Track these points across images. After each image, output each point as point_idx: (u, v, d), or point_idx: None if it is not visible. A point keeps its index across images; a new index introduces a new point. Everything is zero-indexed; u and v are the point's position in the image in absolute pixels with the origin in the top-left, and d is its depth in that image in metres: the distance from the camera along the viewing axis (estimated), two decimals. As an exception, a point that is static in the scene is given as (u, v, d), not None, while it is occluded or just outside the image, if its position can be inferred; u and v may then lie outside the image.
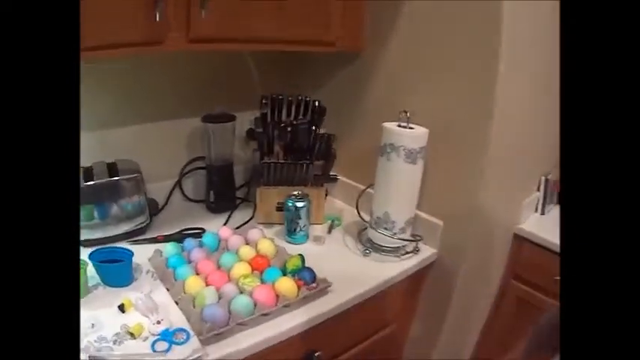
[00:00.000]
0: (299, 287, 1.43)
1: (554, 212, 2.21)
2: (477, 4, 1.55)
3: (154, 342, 1.20)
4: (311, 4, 1.68)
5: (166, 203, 2.00)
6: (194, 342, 1.21)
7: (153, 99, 1.90)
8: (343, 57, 1.99)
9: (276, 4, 1.58)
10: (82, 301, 1.36)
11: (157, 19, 1.32)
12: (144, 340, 1.22)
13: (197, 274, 1.46)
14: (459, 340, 2.05)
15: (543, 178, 2.13)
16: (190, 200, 2.09)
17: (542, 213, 2.18)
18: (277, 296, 1.38)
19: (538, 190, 2.15)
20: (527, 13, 1.61)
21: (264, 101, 1.87)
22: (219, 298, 1.35)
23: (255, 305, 1.33)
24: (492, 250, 2.00)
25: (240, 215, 1.99)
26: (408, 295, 1.90)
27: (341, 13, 1.77)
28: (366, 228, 1.84)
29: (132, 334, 1.22)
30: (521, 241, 2.06)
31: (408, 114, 1.63)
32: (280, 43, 1.69)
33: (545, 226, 2.06)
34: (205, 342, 1.22)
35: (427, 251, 1.82)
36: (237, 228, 1.83)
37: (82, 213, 1.60)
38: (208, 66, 2.01)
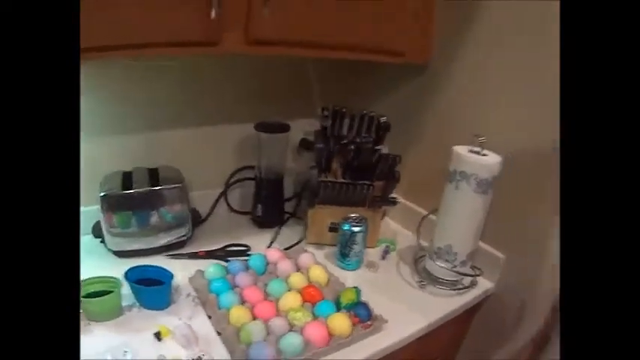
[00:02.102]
0: (354, 324, 1.32)
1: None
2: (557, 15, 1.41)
3: None
4: (382, 10, 1.58)
5: (210, 214, 1.92)
6: None
7: (202, 102, 1.83)
8: (408, 69, 1.88)
9: (346, 6, 1.47)
10: (114, 322, 1.28)
11: (213, 16, 1.21)
12: None
13: (242, 302, 1.36)
14: None
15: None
16: (236, 212, 2.00)
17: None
18: (330, 334, 1.27)
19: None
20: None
21: (324, 113, 1.77)
22: (267, 333, 1.24)
23: (307, 344, 1.22)
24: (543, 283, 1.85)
25: (287, 232, 1.90)
26: (458, 330, 1.80)
27: (412, 21, 1.68)
28: (422, 256, 1.73)
29: None
30: None
31: (482, 139, 1.50)
32: (347, 50, 1.59)
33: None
34: None
35: (484, 285, 1.70)
36: (287, 249, 1.74)
37: (119, 220, 1.52)
38: (264, 70, 1.92)
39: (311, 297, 1.41)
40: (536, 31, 1.48)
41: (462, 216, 1.56)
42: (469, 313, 1.74)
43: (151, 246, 1.58)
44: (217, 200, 1.95)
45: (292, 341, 1.20)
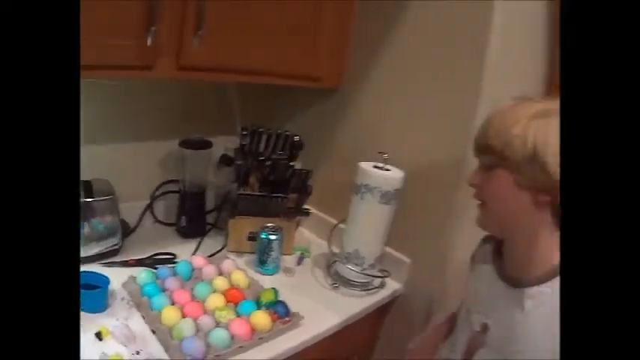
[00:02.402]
0: (273, 321, 1.47)
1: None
2: (457, 51, 1.64)
3: None
4: (301, 40, 1.75)
5: (138, 225, 2.00)
6: None
7: (131, 120, 1.91)
8: (321, 92, 2.05)
9: (268, 38, 1.63)
10: None
11: (149, 43, 1.33)
12: None
13: (172, 303, 1.47)
14: None
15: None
16: (161, 223, 2.09)
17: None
18: (252, 329, 1.41)
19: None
20: (511, 52, 1.68)
21: (243, 132, 1.91)
22: (197, 330, 1.37)
23: (232, 338, 1.36)
24: (457, 287, 2.02)
25: (209, 241, 2.00)
26: (371, 328, 1.94)
27: (328, 50, 1.85)
28: (335, 261, 1.88)
29: None
30: None
31: (385, 156, 1.69)
32: (268, 75, 1.74)
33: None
34: None
35: (393, 286, 1.87)
36: (210, 256, 1.85)
37: None
38: (189, 91, 2.03)
39: (234, 297, 1.54)
40: (435, 63, 1.70)
41: (367, 224, 1.74)
42: (381, 313, 1.91)
43: (85, 254, 1.65)
44: (144, 212, 2.03)
45: (220, 335, 1.34)
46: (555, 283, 1.02)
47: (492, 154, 1.10)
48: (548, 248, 1.06)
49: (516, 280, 1.12)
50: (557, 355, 0.82)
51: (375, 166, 1.70)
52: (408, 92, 1.79)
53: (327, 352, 1.70)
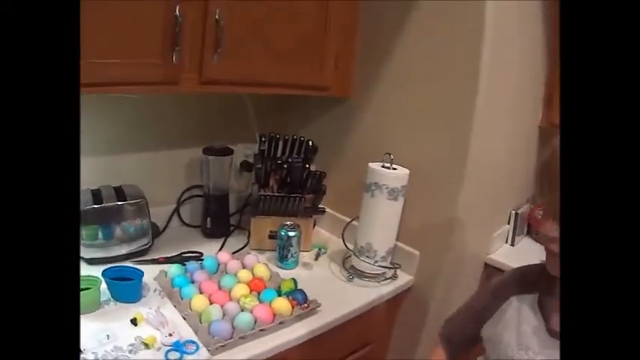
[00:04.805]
0: (293, 307, 1.60)
1: (524, 243, 2.44)
2: (454, 60, 1.77)
3: (167, 352, 1.35)
4: (308, 53, 1.89)
5: (166, 227, 2.15)
6: (203, 352, 1.37)
7: (158, 130, 2.06)
8: (333, 101, 2.20)
9: (279, 54, 1.78)
10: (94, 314, 1.50)
11: (174, 61, 1.48)
12: (157, 350, 1.36)
13: (201, 293, 1.61)
14: None
15: (513, 212, 2.34)
16: (188, 225, 2.23)
17: (512, 244, 2.38)
18: (274, 314, 1.55)
19: (508, 223, 2.36)
20: (505, 61, 1.83)
21: (262, 139, 2.06)
22: (223, 315, 1.51)
23: (256, 321, 1.49)
24: (465, 278, 2.17)
25: (233, 241, 2.14)
26: (387, 317, 2.06)
27: (334, 62, 1.99)
28: (350, 256, 2.01)
29: (146, 345, 1.36)
30: (491, 269, 2.24)
31: (392, 156, 1.83)
32: (280, 87, 1.89)
33: (513, 256, 2.25)
34: (213, 352, 1.38)
35: (404, 278, 2.00)
36: (234, 253, 1.99)
37: (87, 233, 1.73)
38: (209, 102, 2.18)
39: (257, 287, 1.68)
40: (433, 71, 1.84)
41: (377, 219, 1.88)
42: (396, 304, 2.04)
43: (118, 254, 1.79)
44: (172, 215, 2.17)
45: (244, 319, 1.47)
46: None
47: None
48: None
49: None
50: None
51: (383, 166, 1.84)
52: (411, 98, 1.93)
53: (346, 339, 1.84)
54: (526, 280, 1.26)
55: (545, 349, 1.11)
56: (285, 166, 2.01)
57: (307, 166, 2.03)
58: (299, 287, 1.71)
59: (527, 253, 2.34)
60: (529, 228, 2.53)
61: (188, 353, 1.36)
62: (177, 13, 1.44)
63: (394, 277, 1.98)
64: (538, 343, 1.13)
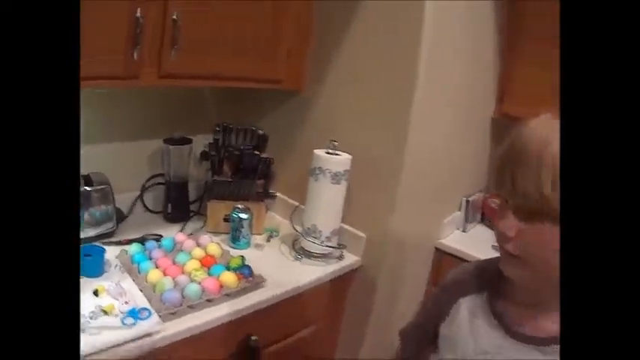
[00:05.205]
0: (239, 280, 1.76)
1: (477, 230, 2.62)
2: (396, 57, 1.96)
3: (124, 318, 1.50)
4: (263, 49, 2.04)
5: (130, 213, 2.29)
6: (155, 318, 1.53)
7: (123, 122, 2.20)
8: (286, 94, 2.36)
9: (233, 49, 1.93)
10: None
11: (135, 57, 1.62)
12: (115, 316, 1.51)
13: (157, 268, 1.77)
14: (384, 340, 2.20)
15: (464, 199, 2.53)
16: (151, 211, 2.37)
17: (464, 230, 2.56)
18: (221, 286, 1.71)
19: (460, 210, 2.55)
20: (446, 58, 2.03)
21: (217, 129, 2.24)
22: (175, 285, 1.68)
23: (203, 292, 1.66)
24: (413, 260, 2.35)
25: (192, 225, 2.29)
26: (336, 297, 2.22)
27: (286, 57, 2.15)
28: (298, 238, 2.16)
29: (105, 312, 1.51)
30: (441, 254, 2.42)
31: (336, 143, 2.01)
32: (236, 80, 2.05)
33: (464, 242, 2.42)
34: (164, 318, 1.54)
35: (351, 259, 2.16)
36: (191, 234, 2.14)
37: None
38: (171, 96, 2.33)
39: (207, 262, 1.85)
40: (378, 69, 2.02)
41: (321, 201, 2.04)
42: (344, 284, 2.21)
43: (85, 236, 1.91)
44: (135, 201, 2.32)
45: (193, 289, 1.64)
46: None
47: (542, 205, 0.86)
48: None
49: (532, 338, 0.99)
50: None
51: (327, 152, 2.01)
52: (357, 92, 2.11)
53: (294, 314, 2.00)
54: (469, 281, 1.19)
55: (501, 350, 1.03)
56: (237, 153, 2.19)
57: (257, 153, 2.21)
58: (248, 265, 1.87)
59: (479, 239, 2.48)
60: (483, 215, 2.68)
61: (142, 319, 1.51)
62: (139, 14, 1.57)
63: (340, 257, 2.14)
64: (493, 343, 1.05)
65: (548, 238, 0.86)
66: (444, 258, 2.41)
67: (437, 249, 2.45)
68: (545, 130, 0.88)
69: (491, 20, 2.30)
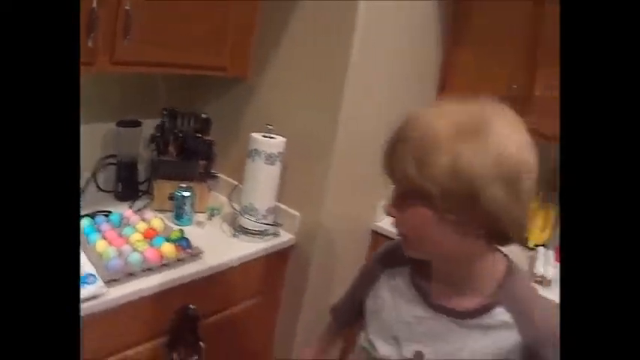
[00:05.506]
0: (178, 251, 1.95)
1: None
2: (329, 52, 2.16)
3: None
4: (211, 40, 2.21)
5: (83, 192, 2.41)
6: (100, 283, 1.70)
7: (80, 106, 2.32)
8: (232, 81, 2.53)
9: (182, 38, 2.08)
10: None
11: (89, 44, 1.70)
12: None
13: (104, 239, 1.94)
14: (320, 316, 2.18)
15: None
16: (103, 190, 2.49)
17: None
18: (161, 256, 1.89)
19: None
20: (379, 52, 2.23)
21: (164, 112, 2.42)
22: (119, 254, 1.85)
23: (144, 261, 1.83)
24: (348, 240, 2.54)
25: (140, 203, 2.41)
26: (274, 273, 2.41)
27: (231, 46, 2.32)
28: (238, 216, 2.33)
29: None
30: (377, 235, 2.61)
31: (271, 127, 2.20)
32: (184, 67, 2.21)
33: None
34: (108, 285, 1.71)
35: (286, 236, 2.35)
36: (138, 211, 2.30)
37: None
38: (126, 82, 2.45)
39: (150, 235, 2.02)
40: (314, 61, 2.22)
41: (257, 181, 2.22)
42: (281, 260, 2.39)
43: None
44: (88, 181, 2.42)
45: (135, 257, 1.82)
46: (497, 314, 0.99)
47: (409, 185, 0.94)
48: (487, 276, 1.02)
49: (451, 311, 1.05)
50: None
51: (264, 136, 2.19)
52: (295, 81, 2.30)
53: (232, 286, 2.17)
54: (391, 255, 1.24)
55: (421, 321, 1.09)
56: (181, 135, 2.37)
57: (200, 135, 2.40)
58: (186, 237, 2.05)
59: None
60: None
61: (88, 283, 1.68)
62: (95, 5, 1.66)
63: (276, 234, 2.33)
64: (414, 314, 1.11)
65: (420, 217, 0.95)
66: (379, 239, 2.58)
67: (373, 231, 2.64)
68: (425, 118, 0.95)
69: (434, 18, 2.52)
